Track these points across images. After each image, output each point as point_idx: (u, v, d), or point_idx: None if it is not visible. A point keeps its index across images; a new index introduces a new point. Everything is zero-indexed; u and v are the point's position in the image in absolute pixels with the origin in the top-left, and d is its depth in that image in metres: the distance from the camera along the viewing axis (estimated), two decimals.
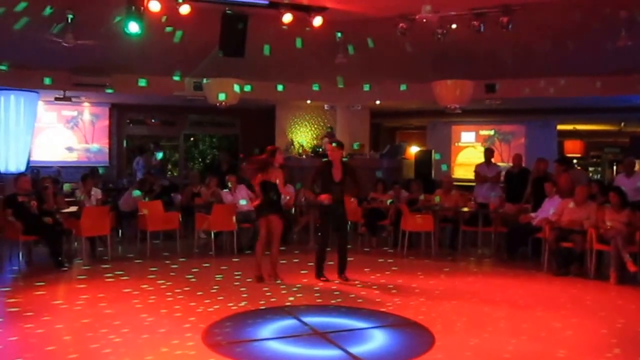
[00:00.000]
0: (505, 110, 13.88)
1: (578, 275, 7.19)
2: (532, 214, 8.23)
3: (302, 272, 7.19)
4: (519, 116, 14.86)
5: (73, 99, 12.05)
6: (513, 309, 5.71)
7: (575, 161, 16.22)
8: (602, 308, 5.82)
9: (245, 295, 6.06)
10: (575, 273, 7.23)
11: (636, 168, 9.58)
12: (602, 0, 6.47)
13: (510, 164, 10.32)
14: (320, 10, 6.86)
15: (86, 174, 9.20)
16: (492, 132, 15.67)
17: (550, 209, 7.84)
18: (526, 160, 10.26)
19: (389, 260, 8.15)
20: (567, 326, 5.13)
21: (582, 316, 5.48)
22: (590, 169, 19.49)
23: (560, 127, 15.29)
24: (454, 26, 6.98)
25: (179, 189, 10.88)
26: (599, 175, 18.79)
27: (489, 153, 10.24)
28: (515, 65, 9.01)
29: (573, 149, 17.02)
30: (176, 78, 10.74)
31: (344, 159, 6.94)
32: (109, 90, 11.05)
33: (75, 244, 8.44)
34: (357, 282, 6.71)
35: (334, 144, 6.93)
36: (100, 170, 13.05)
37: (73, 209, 8.29)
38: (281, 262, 7.92)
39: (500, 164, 11.51)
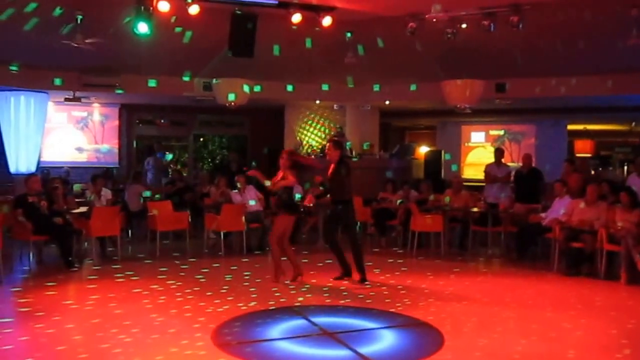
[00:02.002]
0: (516, 109, 13.81)
1: (588, 275, 7.14)
2: (542, 214, 8.18)
3: (311, 272, 7.19)
4: (529, 116, 14.77)
5: (83, 100, 12.11)
6: (523, 309, 5.68)
7: None
8: (613, 308, 5.77)
9: (254, 296, 6.07)
10: (585, 273, 7.18)
11: None
12: None
13: (520, 164, 10.27)
14: (329, 10, 6.84)
15: (96, 175, 9.24)
16: (502, 132, 15.58)
17: (561, 209, 7.79)
18: (536, 160, 10.20)
19: (399, 261, 8.13)
20: (577, 326, 5.09)
21: (592, 316, 5.44)
22: (600, 169, 19.32)
23: (570, 126, 15.18)
24: (464, 25, 6.94)
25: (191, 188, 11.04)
26: None
27: (499, 153, 10.18)
28: (526, 64, 8.96)
29: (583, 149, 16.88)
30: (186, 78, 10.78)
31: (342, 160, 6.81)
32: (119, 91, 11.11)
33: (86, 244, 8.49)
34: (366, 283, 6.71)
35: (331, 143, 6.93)
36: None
37: (83, 209, 8.34)
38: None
39: (510, 164, 11.44)
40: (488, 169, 10.02)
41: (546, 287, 6.71)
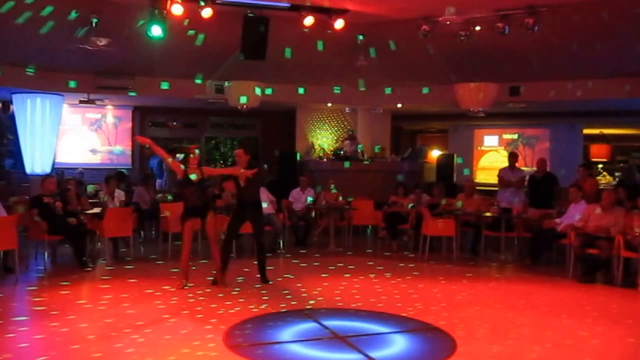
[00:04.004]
0: (530, 113, 13.69)
1: (604, 282, 7.04)
2: (557, 220, 8.08)
3: (323, 275, 7.18)
4: (544, 120, 14.63)
5: (97, 102, 12.25)
6: (537, 315, 5.60)
7: (600, 166, 15.88)
8: (629, 316, 5.67)
9: (265, 298, 6.07)
10: (601, 280, 7.09)
11: None
12: (631, 0, 6.33)
13: (534, 169, 10.16)
14: (341, 12, 6.84)
15: (110, 176, 9.30)
16: (515, 136, 15.46)
17: (576, 214, 7.68)
18: (550, 164, 10.08)
19: (410, 265, 8.08)
20: (593, 334, 5.01)
21: (608, 324, 5.34)
22: (617, 174, 19.08)
23: (586, 131, 15.01)
24: (477, 28, 6.89)
25: None
26: None
27: (512, 157, 10.08)
28: (541, 67, 8.88)
29: (599, 154, 16.68)
30: (198, 81, 10.84)
31: (252, 166, 6.81)
32: (132, 93, 11.21)
33: (99, 244, 8.54)
34: (377, 287, 6.67)
35: (241, 149, 6.92)
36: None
37: (96, 210, 8.40)
38: (301, 265, 7.95)
39: (523, 168, 11.35)
40: (502, 173, 9.93)
41: (561, 294, 6.61)
